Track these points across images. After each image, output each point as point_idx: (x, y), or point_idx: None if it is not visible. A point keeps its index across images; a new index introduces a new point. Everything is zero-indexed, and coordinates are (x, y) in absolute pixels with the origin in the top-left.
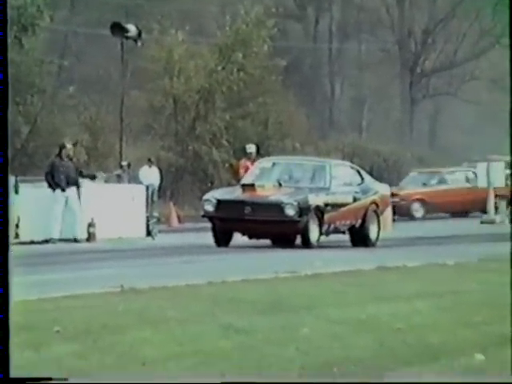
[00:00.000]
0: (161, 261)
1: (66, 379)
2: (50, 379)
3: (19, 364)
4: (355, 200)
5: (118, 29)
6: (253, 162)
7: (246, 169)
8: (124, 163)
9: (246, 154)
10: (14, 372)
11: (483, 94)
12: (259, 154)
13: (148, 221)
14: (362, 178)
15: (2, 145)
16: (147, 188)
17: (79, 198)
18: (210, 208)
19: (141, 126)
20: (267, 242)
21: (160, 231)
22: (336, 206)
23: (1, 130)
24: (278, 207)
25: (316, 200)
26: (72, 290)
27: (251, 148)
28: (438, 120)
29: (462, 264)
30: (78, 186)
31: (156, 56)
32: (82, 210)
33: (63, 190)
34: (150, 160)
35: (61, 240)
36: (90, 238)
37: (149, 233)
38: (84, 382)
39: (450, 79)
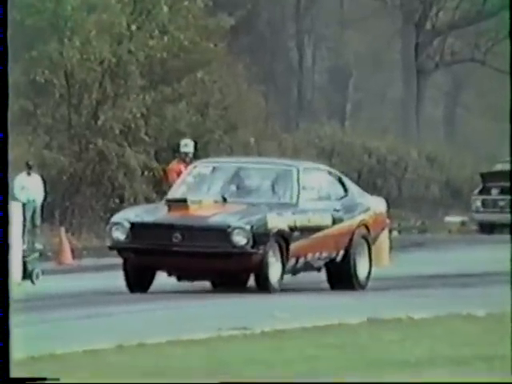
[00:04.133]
0: (45, 316)
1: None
2: (56, 379)
3: None
4: (335, 221)
5: None
6: (188, 165)
7: (180, 175)
8: None
9: (178, 154)
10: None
11: None
12: (196, 154)
13: (25, 256)
14: (346, 189)
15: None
16: (25, 206)
17: None
18: (120, 236)
19: (15, 114)
20: (206, 284)
21: (44, 271)
22: (307, 230)
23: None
24: (223, 233)
25: (278, 222)
26: None
27: (188, 146)
28: (459, 100)
29: (496, 316)
30: None
31: (37, 7)
32: None
33: None
34: (28, 165)
35: None
36: None
37: (27, 274)
38: (89, 382)
39: (476, 39)
